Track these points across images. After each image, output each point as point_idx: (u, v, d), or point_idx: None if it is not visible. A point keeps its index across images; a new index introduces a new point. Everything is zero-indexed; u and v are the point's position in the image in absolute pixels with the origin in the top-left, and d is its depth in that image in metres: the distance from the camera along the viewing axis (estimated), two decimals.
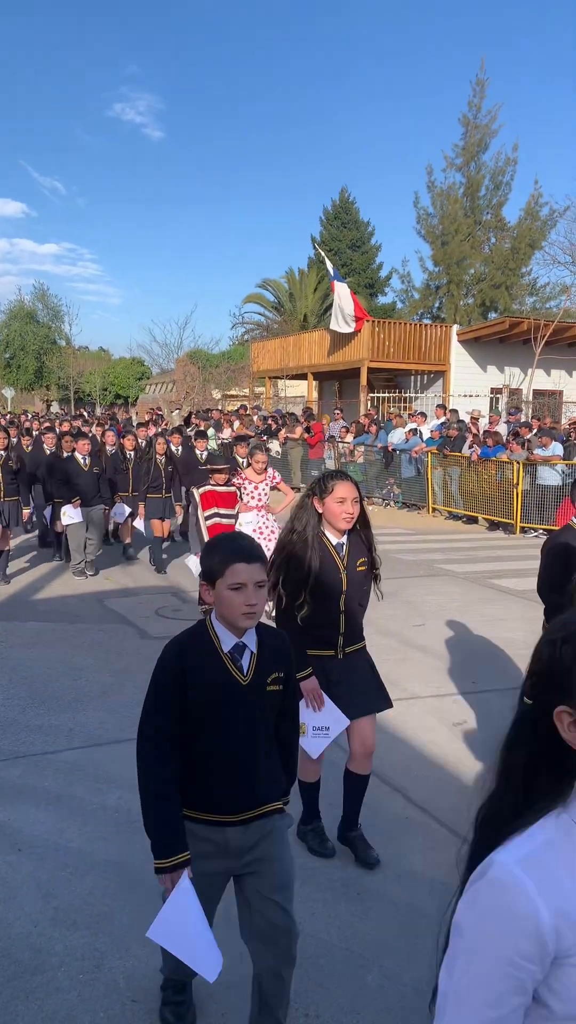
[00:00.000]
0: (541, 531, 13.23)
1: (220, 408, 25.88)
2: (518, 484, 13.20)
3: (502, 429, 15.73)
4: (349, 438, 18.14)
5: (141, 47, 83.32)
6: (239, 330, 44.50)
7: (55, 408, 44.45)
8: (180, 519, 10.95)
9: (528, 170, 67.87)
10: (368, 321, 21.59)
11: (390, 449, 16.58)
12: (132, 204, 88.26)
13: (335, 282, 21.59)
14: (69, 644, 6.58)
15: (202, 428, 16.97)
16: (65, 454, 9.89)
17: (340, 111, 77.79)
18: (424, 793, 4.12)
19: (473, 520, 14.48)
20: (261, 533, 7.49)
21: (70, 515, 9.11)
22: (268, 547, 7.14)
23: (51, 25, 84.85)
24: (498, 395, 22.16)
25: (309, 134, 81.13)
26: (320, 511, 3.31)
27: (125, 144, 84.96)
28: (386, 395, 22.82)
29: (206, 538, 6.89)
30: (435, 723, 5.05)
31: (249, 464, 8.00)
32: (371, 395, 22.38)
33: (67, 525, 9.21)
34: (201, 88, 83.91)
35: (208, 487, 7.13)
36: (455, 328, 22.77)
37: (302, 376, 26.22)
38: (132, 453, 10.77)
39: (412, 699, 5.47)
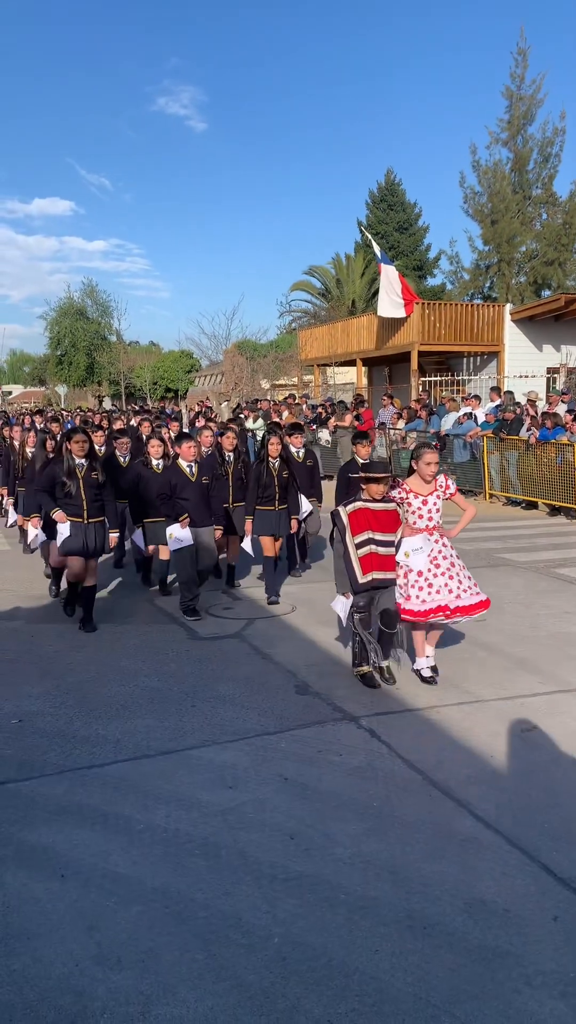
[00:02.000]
0: None
1: (269, 398, 25.64)
2: None
3: (561, 410, 15.12)
4: (401, 424, 17.69)
5: (182, 39, 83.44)
6: (286, 319, 44.22)
7: (107, 404, 44.89)
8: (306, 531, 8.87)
9: None
10: (418, 303, 21.05)
11: (442, 434, 16.09)
12: (178, 197, 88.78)
13: (383, 265, 21.09)
14: (118, 646, 6.42)
15: (250, 419, 16.75)
16: (154, 461, 8.29)
17: (384, 92, 76.60)
18: (493, 810, 3.80)
19: (533, 505, 13.95)
20: (438, 566, 5.54)
21: (178, 537, 7.28)
22: (450, 586, 5.45)
23: (93, 24, 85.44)
24: (555, 375, 21.41)
25: (352, 118, 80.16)
26: None
27: (170, 138, 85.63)
28: (438, 379, 22.25)
29: (358, 573, 5.39)
30: (502, 729, 4.72)
31: (413, 471, 5.69)
32: (422, 379, 21.85)
33: (173, 551, 7.44)
34: (242, 77, 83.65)
35: (359, 503, 5.47)
36: (508, 307, 22.09)
37: (351, 362, 25.79)
38: (231, 455, 8.46)
39: (477, 703, 5.15)
